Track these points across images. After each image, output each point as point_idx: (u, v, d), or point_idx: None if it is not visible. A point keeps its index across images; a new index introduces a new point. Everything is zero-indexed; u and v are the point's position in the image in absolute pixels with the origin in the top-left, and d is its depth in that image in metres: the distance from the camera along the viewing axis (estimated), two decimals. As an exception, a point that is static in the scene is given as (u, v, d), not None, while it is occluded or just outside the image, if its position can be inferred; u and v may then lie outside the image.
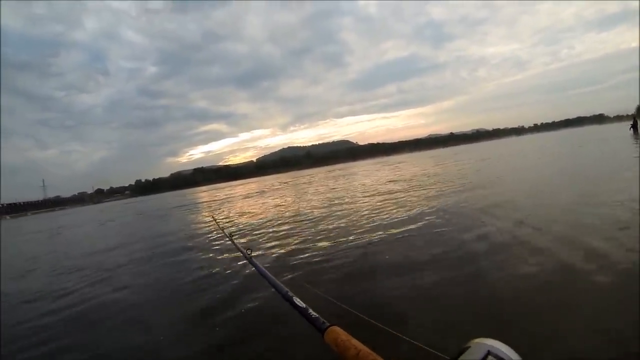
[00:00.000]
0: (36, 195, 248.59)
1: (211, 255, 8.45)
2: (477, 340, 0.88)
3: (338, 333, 1.23)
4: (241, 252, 2.92)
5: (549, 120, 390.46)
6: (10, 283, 9.14)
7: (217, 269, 6.94)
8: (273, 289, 1.91)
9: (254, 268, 2.44)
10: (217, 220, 6.34)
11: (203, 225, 14.47)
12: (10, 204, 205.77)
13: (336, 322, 1.31)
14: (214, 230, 11.33)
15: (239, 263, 6.94)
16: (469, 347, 0.87)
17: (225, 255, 8.15)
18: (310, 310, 1.48)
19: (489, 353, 0.81)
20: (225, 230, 4.47)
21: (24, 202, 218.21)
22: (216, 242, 9.83)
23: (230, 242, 3.68)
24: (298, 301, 1.59)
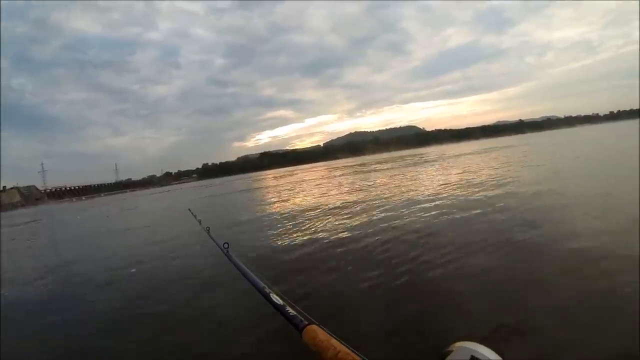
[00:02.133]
0: (110, 179, 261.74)
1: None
2: (459, 344, 0.86)
3: (316, 332, 1.19)
4: (218, 246, 2.79)
5: (627, 108, 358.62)
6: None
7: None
8: (250, 284, 1.83)
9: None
10: (194, 213, 5.78)
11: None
12: (85, 185, 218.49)
13: (316, 320, 1.29)
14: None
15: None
16: (451, 350, 0.86)
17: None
18: (288, 308, 1.43)
19: (472, 358, 0.81)
20: (201, 223, 4.23)
21: (97, 185, 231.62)
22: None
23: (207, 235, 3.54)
24: (275, 298, 1.53)
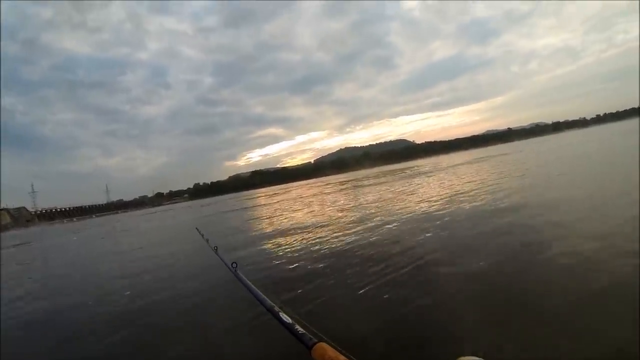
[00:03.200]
0: (101, 199, 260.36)
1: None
2: (463, 358, 0.87)
3: (325, 349, 1.22)
4: (227, 265, 2.85)
5: (613, 110, 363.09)
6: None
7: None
8: (259, 304, 1.88)
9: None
10: (202, 232, 5.79)
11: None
12: (76, 207, 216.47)
13: (325, 338, 1.32)
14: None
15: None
16: None
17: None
18: (297, 326, 1.47)
19: None
20: (209, 242, 4.23)
21: (89, 206, 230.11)
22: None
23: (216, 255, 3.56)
24: (284, 317, 1.58)
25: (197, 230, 6.97)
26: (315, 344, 1.26)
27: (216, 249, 3.61)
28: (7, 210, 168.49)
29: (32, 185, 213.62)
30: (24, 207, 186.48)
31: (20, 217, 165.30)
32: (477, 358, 0.83)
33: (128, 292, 7.93)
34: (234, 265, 2.62)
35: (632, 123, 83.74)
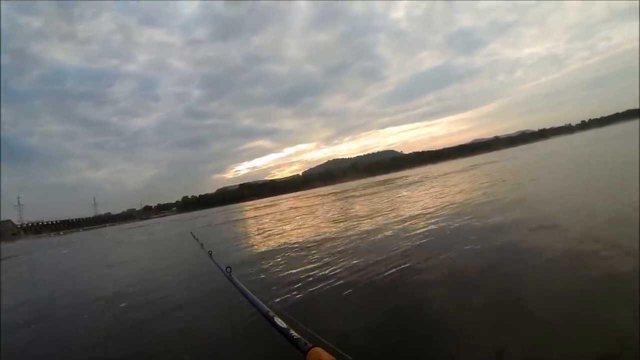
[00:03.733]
0: (88, 213, 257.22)
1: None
2: None
3: (320, 354, 1.23)
4: (221, 269, 2.89)
5: (597, 116, 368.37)
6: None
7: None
8: (254, 308, 1.90)
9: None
10: (196, 237, 6.22)
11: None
12: (63, 220, 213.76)
13: (319, 343, 1.32)
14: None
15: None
16: None
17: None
18: (292, 331, 1.48)
19: None
20: (204, 247, 4.41)
21: (76, 219, 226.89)
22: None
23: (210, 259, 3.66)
24: (279, 321, 1.58)
25: (192, 234, 7.49)
26: (310, 348, 1.28)
27: (210, 254, 3.70)
28: None
29: (19, 198, 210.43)
30: (10, 220, 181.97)
31: (6, 231, 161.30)
32: None
33: (124, 304, 8.01)
34: (229, 269, 2.67)
35: (617, 128, 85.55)
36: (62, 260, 24.55)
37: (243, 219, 34.46)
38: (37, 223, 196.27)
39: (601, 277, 4.92)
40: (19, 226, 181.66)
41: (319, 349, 1.24)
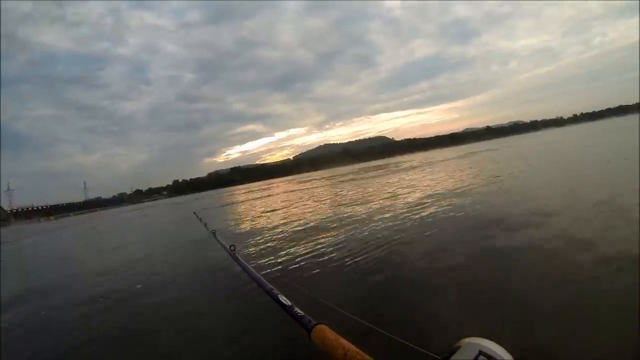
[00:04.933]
0: (78, 197, 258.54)
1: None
2: (467, 339, 0.88)
3: (325, 332, 1.20)
4: (225, 248, 2.88)
5: (589, 110, 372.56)
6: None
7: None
8: (257, 286, 1.87)
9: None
10: (199, 216, 6.28)
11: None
12: (53, 205, 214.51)
13: (324, 320, 1.29)
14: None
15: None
16: (459, 346, 0.87)
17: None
18: (296, 308, 1.46)
19: (480, 353, 0.81)
20: (207, 226, 4.47)
21: (66, 204, 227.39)
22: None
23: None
24: (283, 299, 1.56)
25: (195, 214, 7.46)
26: (315, 325, 1.27)
27: (214, 233, 3.71)
28: None
29: (8, 184, 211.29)
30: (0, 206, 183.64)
31: None
32: (481, 338, 0.86)
33: (139, 286, 7.90)
34: (232, 247, 2.68)
35: (609, 122, 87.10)
36: (65, 244, 24.62)
37: (239, 201, 34.57)
38: (28, 208, 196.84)
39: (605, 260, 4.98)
40: (8, 212, 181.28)
41: (323, 326, 1.24)
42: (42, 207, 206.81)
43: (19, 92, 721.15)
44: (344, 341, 1.09)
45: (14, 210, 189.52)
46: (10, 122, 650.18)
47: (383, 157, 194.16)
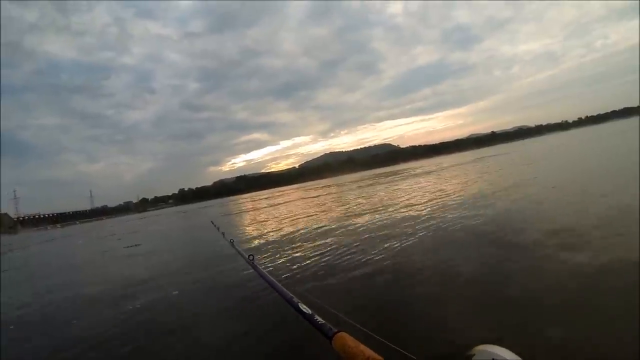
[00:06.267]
0: (84, 206, 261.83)
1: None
2: (480, 347, 0.88)
3: (346, 339, 1.21)
4: (243, 257, 2.93)
5: (594, 113, 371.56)
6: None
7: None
8: (277, 295, 1.89)
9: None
10: (217, 226, 6.41)
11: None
12: (60, 213, 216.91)
13: (344, 328, 1.30)
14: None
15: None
16: (473, 354, 0.87)
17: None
18: (317, 317, 1.47)
19: None
20: (225, 235, 4.54)
21: (72, 212, 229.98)
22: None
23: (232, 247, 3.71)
24: (304, 307, 1.58)
25: (212, 223, 7.49)
26: (335, 333, 1.28)
27: (232, 242, 3.72)
28: None
29: (15, 192, 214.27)
30: (6, 214, 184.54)
31: (3, 224, 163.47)
32: (494, 346, 0.86)
33: (172, 289, 7.93)
34: (251, 257, 2.69)
35: (615, 125, 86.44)
36: (83, 251, 24.28)
37: (248, 210, 34.36)
38: (34, 216, 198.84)
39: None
40: (15, 219, 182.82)
41: (344, 334, 1.26)
42: (48, 215, 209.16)
43: (24, 101, 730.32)
44: (364, 348, 1.14)
45: (21, 218, 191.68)
46: (15, 131, 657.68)
47: (389, 165, 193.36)
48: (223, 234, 4.78)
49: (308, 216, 17.53)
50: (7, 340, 6.31)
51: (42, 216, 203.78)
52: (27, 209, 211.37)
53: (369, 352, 1.10)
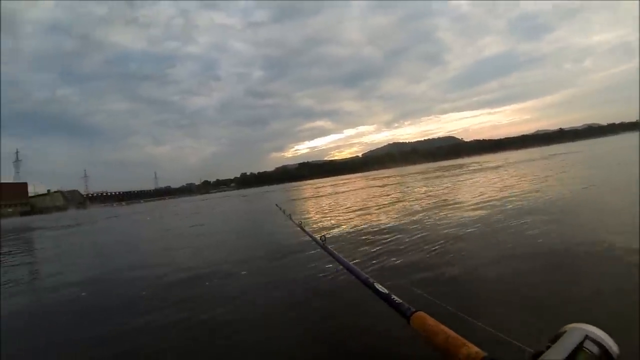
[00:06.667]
0: (149, 186, 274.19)
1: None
2: (572, 325, 0.90)
3: (425, 318, 1.22)
4: (314, 240, 2.90)
5: None
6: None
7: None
8: (352, 276, 1.86)
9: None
10: (283, 209, 6.37)
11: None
12: (125, 192, 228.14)
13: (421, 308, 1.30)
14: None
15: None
16: (565, 331, 0.89)
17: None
18: (393, 296, 1.46)
19: (586, 337, 0.84)
20: (293, 219, 4.44)
21: (137, 191, 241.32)
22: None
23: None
24: (380, 287, 1.56)
25: (277, 206, 7.61)
26: (413, 313, 1.26)
27: (301, 224, 3.70)
28: (61, 192, 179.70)
29: (85, 171, 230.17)
30: (77, 191, 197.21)
31: (73, 199, 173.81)
32: (588, 325, 0.86)
33: (245, 271, 7.26)
34: (323, 238, 2.65)
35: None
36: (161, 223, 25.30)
37: (312, 196, 33.32)
38: (102, 193, 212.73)
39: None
40: (84, 196, 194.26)
41: (422, 313, 1.23)
42: (115, 193, 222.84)
43: (95, 89, 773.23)
44: (443, 327, 1.12)
45: (90, 195, 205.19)
46: (87, 116, 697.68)
47: (451, 158, 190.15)
48: (290, 216, 4.66)
49: (379, 207, 15.96)
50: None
51: (109, 194, 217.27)
52: (96, 187, 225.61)
53: (450, 331, 1.09)
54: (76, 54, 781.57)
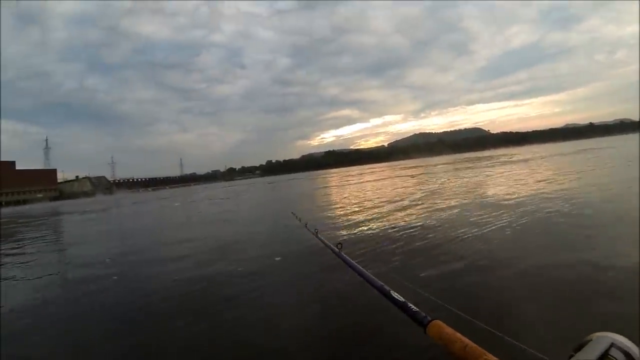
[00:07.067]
0: (174, 172, 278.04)
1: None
2: (599, 333, 0.91)
3: (442, 327, 1.22)
4: (329, 247, 2.83)
5: None
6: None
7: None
8: (368, 284, 1.83)
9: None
10: (299, 217, 5.58)
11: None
12: (151, 178, 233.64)
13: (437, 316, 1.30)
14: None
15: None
16: (590, 339, 0.90)
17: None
18: (410, 304, 1.46)
19: (612, 345, 0.84)
20: (308, 226, 4.23)
21: (163, 178, 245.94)
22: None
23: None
24: (396, 295, 1.57)
25: (294, 214, 6.59)
26: (430, 321, 1.25)
27: (317, 232, 3.56)
28: (88, 178, 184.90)
29: (112, 157, 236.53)
30: (104, 177, 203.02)
31: (100, 185, 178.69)
32: (613, 334, 0.87)
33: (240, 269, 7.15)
34: (339, 246, 2.56)
35: None
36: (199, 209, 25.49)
37: (339, 185, 32.87)
38: (128, 179, 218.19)
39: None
40: (111, 182, 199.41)
41: (439, 322, 1.23)
42: (141, 179, 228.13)
43: (123, 77, 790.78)
44: (461, 336, 1.12)
45: (117, 181, 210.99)
46: (115, 104, 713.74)
47: (478, 150, 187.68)
48: (306, 224, 4.42)
49: (411, 198, 15.63)
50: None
51: (135, 180, 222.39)
52: (122, 173, 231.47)
53: (467, 340, 1.10)
54: (103, 44, 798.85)
